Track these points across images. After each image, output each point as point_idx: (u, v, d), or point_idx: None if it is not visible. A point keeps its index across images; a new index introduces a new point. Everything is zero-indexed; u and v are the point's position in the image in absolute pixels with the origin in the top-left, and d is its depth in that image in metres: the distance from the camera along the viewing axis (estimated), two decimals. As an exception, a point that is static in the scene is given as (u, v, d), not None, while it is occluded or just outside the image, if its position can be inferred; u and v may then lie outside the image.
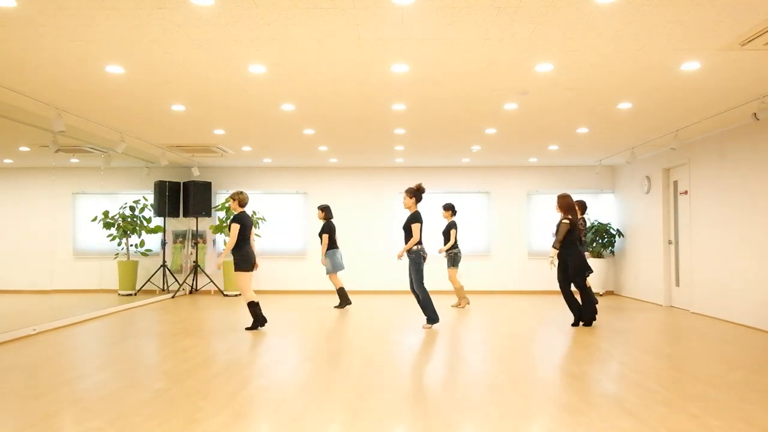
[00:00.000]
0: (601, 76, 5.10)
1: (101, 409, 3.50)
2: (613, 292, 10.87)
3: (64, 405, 3.59)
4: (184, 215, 10.55)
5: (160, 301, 9.50)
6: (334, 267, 8.32)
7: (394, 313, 7.93)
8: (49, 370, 4.53)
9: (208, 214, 10.58)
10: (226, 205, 10.16)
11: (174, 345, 5.60)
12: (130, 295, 9.92)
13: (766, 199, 6.55)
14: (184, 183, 10.59)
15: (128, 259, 10.12)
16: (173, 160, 9.83)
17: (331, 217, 8.49)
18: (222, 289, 10.63)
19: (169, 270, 10.68)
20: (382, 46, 4.34)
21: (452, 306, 8.64)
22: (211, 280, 10.64)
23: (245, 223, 6.42)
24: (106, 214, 10.01)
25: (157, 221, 10.68)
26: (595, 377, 4.32)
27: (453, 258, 8.33)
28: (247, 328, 6.52)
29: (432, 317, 6.60)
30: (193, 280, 10.73)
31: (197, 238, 10.74)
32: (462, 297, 8.47)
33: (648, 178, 9.44)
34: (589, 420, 3.30)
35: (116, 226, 10.08)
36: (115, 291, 10.03)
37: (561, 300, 9.69)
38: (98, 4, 3.59)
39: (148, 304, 9.03)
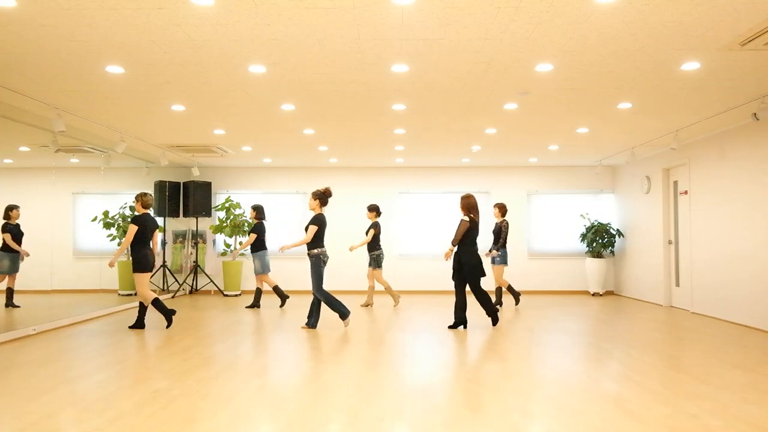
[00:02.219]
0: (601, 76, 5.10)
1: (101, 409, 3.50)
2: (613, 292, 10.87)
3: (64, 405, 3.58)
4: (184, 215, 10.55)
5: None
6: (263, 268, 8.38)
7: (393, 313, 7.92)
8: (49, 370, 4.53)
9: (208, 214, 10.58)
10: (226, 205, 10.16)
11: (174, 345, 5.60)
12: (130, 295, 9.91)
13: (766, 199, 6.54)
14: (184, 183, 10.59)
15: (128, 259, 10.12)
16: (173, 160, 9.83)
17: (263, 218, 8.56)
18: (222, 289, 10.63)
19: (169, 270, 10.68)
20: (382, 46, 4.34)
21: (361, 305, 8.66)
22: (211, 281, 10.64)
23: (146, 224, 6.46)
24: (106, 214, 10.01)
25: (157, 221, 10.67)
26: (595, 377, 4.32)
27: (376, 259, 8.30)
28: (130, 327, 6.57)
29: (343, 312, 6.51)
30: (193, 280, 10.73)
31: (197, 238, 10.74)
32: (370, 296, 8.53)
33: (648, 178, 9.44)
34: (589, 420, 3.30)
35: (116, 226, 10.07)
36: (115, 291, 10.02)
37: (561, 300, 9.69)
38: (98, 4, 3.59)
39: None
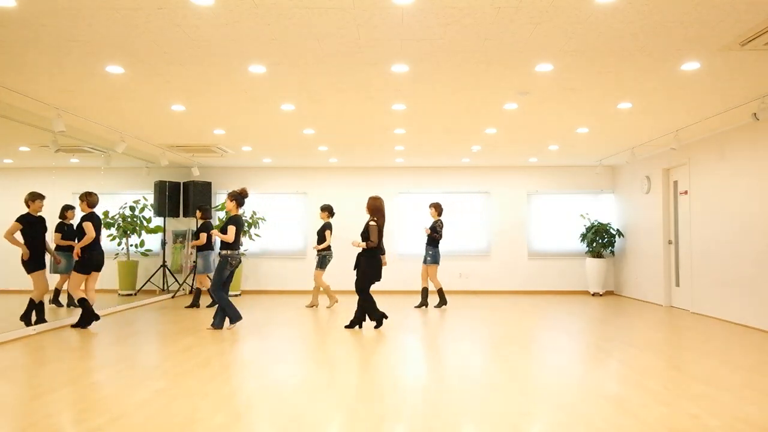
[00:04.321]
0: (601, 76, 5.10)
1: (101, 409, 3.50)
2: (613, 292, 10.87)
3: (64, 405, 3.58)
4: (184, 215, 10.54)
5: (160, 301, 9.50)
6: (206, 268, 8.50)
7: (393, 313, 7.92)
8: (49, 370, 4.53)
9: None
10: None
11: (174, 345, 5.60)
12: (130, 295, 9.91)
13: (766, 199, 6.54)
14: (184, 183, 10.59)
15: (128, 259, 10.11)
16: (173, 160, 9.82)
17: (210, 218, 8.70)
18: (222, 289, 10.63)
19: (169, 270, 10.67)
20: (382, 46, 4.34)
21: (306, 306, 8.69)
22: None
23: (96, 222, 6.54)
24: (106, 214, 10.00)
25: (157, 221, 10.67)
26: (595, 377, 4.32)
27: (321, 260, 8.30)
28: (73, 326, 6.59)
29: (236, 316, 6.50)
30: (193, 280, 10.72)
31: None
32: (315, 297, 8.57)
33: (648, 178, 9.44)
34: (589, 420, 3.30)
35: (116, 226, 10.07)
36: (115, 291, 10.02)
37: (561, 300, 9.70)
38: (98, 4, 3.59)
39: (148, 304, 9.03)
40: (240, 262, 6.60)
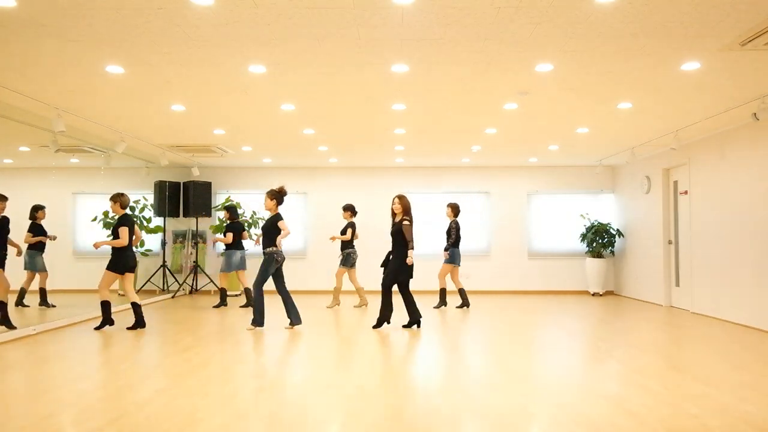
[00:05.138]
0: (601, 76, 5.10)
1: (101, 409, 3.50)
2: (613, 292, 10.87)
3: (64, 405, 3.58)
4: (184, 215, 10.54)
5: (160, 301, 9.50)
6: (228, 267, 8.51)
7: (393, 313, 7.92)
8: (49, 370, 4.53)
9: (208, 214, 10.57)
10: (226, 205, 10.16)
11: (174, 345, 5.60)
12: (130, 295, 9.90)
13: (766, 199, 6.54)
14: (184, 183, 10.59)
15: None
16: (173, 160, 9.82)
17: (237, 218, 8.73)
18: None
19: (169, 270, 10.68)
20: (382, 46, 4.34)
21: (327, 306, 8.69)
22: (211, 280, 10.64)
23: (131, 226, 6.59)
24: (106, 214, 10.00)
25: (157, 221, 10.67)
26: (595, 377, 4.32)
27: (346, 258, 8.33)
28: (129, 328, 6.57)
29: (260, 320, 6.47)
30: (193, 280, 10.73)
31: (197, 238, 10.74)
32: (336, 297, 8.59)
33: (648, 178, 9.44)
34: (589, 420, 3.30)
35: (116, 226, 10.07)
36: (115, 291, 10.02)
37: (561, 300, 9.70)
38: (98, 4, 3.59)
39: (148, 304, 9.03)
40: (284, 259, 6.59)
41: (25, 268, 7.74)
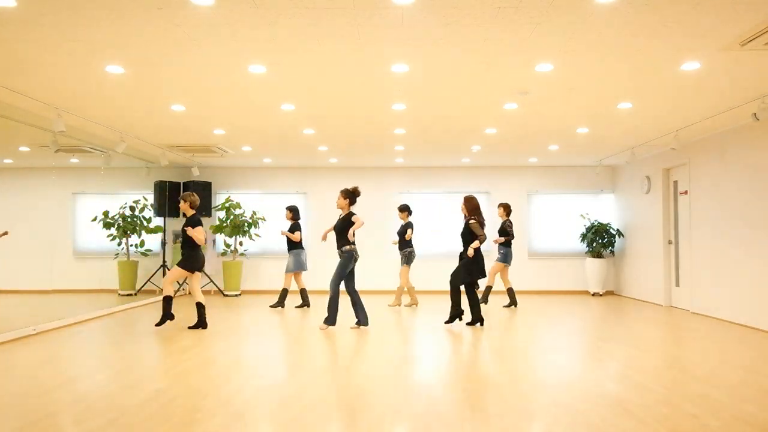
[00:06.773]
0: (601, 76, 5.10)
1: (101, 409, 3.50)
2: (613, 292, 10.87)
3: (64, 405, 3.58)
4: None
5: (160, 301, 9.49)
6: (297, 266, 8.47)
7: (394, 313, 7.93)
8: (49, 370, 4.53)
9: (208, 214, 10.57)
10: (227, 205, 10.17)
11: (174, 345, 5.60)
12: (131, 295, 9.91)
13: (766, 200, 6.54)
14: (184, 183, 10.59)
15: (128, 259, 10.12)
16: (173, 160, 9.82)
17: (299, 218, 8.65)
18: (222, 289, 10.63)
19: (169, 270, 10.67)
20: (382, 46, 4.34)
21: (389, 305, 8.70)
22: (211, 280, 10.63)
23: (201, 226, 6.55)
24: (106, 214, 10.01)
25: (157, 221, 10.67)
26: (595, 377, 4.32)
27: (407, 257, 8.36)
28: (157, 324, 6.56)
29: (333, 320, 6.45)
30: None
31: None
32: (398, 297, 8.60)
33: (648, 178, 9.44)
34: (589, 420, 3.30)
35: (116, 226, 10.08)
36: (115, 291, 10.02)
37: (561, 300, 9.70)
38: (98, 4, 3.59)
39: (149, 304, 9.03)
40: (359, 257, 6.62)
41: None
